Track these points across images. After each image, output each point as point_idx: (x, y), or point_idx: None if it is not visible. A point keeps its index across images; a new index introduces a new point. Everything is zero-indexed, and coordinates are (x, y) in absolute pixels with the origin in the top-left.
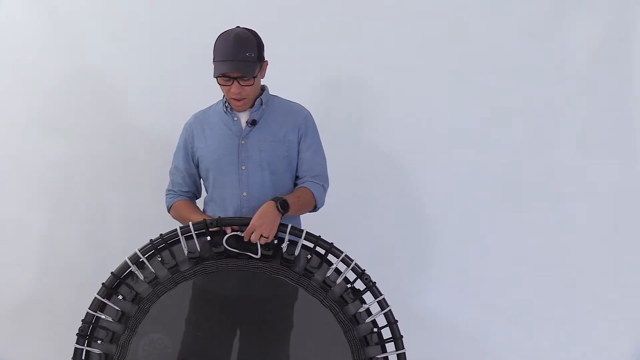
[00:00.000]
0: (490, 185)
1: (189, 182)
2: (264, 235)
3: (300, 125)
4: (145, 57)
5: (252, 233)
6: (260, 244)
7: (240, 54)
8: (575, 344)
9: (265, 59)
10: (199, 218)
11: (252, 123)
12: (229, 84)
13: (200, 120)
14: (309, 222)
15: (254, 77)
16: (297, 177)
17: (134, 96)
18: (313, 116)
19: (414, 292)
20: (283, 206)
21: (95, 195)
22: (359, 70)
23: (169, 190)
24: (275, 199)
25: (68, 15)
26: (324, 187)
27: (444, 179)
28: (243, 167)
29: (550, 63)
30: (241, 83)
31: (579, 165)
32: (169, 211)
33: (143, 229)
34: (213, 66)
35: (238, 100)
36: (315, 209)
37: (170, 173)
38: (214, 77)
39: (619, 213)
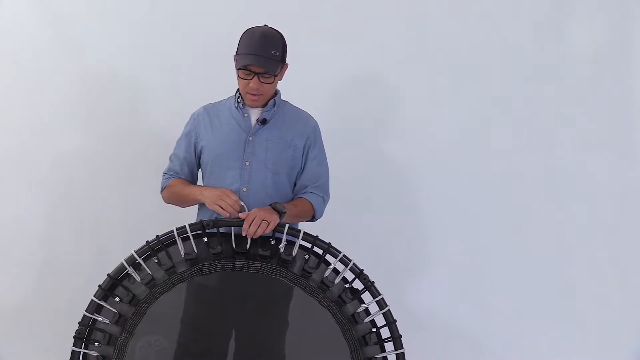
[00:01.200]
0: (490, 185)
1: (186, 171)
2: (265, 219)
3: (309, 135)
4: (146, 58)
5: (252, 221)
6: (255, 237)
7: (266, 51)
8: (575, 344)
9: (286, 62)
10: (195, 188)
11: (263, 122)
12: (249, 78)
13: (209, 112)
14: (307, 222)
15: (275, 76)
16: (296, 185)
17: (135, 96)
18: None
19: (413, 292)
20: (277, 207)
21: (95, 195)
22: (359, 71)
23: (164, 174)
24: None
25: (69, 15)
26: (324, 199)
27: (443, 179)
28: (247, 163)
29: (550, 63)
30: (261, 79)
31: (579, 165)
32: (162, 192)
33: (143, 229)
34: (234, 59)
35: (254, 95)
36: (313, 219)
37: (170, 159)
38: (237, 68)
39: (619, 213)
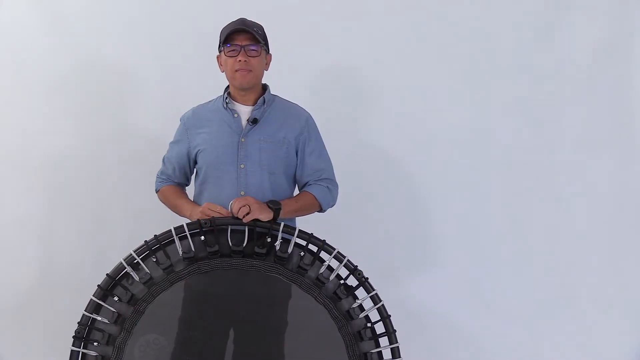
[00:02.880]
0: (490, 185)
1: (178, 175)
2: (249, 205)
3: (302, 130)
4: (146, 58)
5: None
6: (240, 217)
7: (248, 27)
8: (574, 343)
9: (270, 53)
10: (186, 205)
11: (254, 122)
12: (236, 54)
13: (198, 115)
14: (305, 219)
15: (262, 47)
16: (299, 181)
17: (134, 96)
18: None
19: (413, 291)
20: (272, 202)
21: (94, 195)
22: (359, 69)
23: (159, 176)
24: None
25: (69, 15)
26: (329, 188)
27: (443, 178)
28: (242, 166)
29: (550, 63)
30: (248, 54)
31: (579, 165)
32: (156, 192)
33: (142, 229)
34: (217, 58)
35: (243, 69)
36: (321, 210)
37: (163, 162)
38: (220, 45)
39: (619, 213)
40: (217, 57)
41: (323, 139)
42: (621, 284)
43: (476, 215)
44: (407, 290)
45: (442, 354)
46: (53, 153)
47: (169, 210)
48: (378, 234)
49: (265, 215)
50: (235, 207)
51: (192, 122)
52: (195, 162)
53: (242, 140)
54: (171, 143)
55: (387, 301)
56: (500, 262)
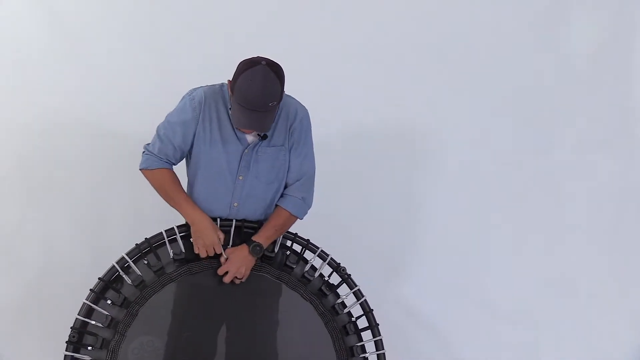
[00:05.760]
0: (490, 185)
1: (177, 157)
2: (238, 277)
3: (294, 130)
4: (146, 58)
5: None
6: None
7: (263, 105)
8: (575, 343)
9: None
10: (184, 203)
11: (263, 137)
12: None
13: (210, 104)
14: (300, 222)
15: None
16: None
17: (134, 96)
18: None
19: (413, 291)
20: (255, 251)
21: (94, 195)
22: (354, 64)
23: (152, 153)
24: (249, 243)
25: (69, 15)
26: (304, 198)
27: (443, 178)
28: (240, 177)
29: (551, 63)
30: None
31: (579, 165)
32: (145, 169)
33: (142, 229)
34: (232, 97)
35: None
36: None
37: (160, 139)
38: (234, 125)
39: (619, 213)
40: (229, 88)
41: (324, 139)
42: (621, 284)
43: (476, 215)
44: (408, 290)
45: (444, 353)
46: (52, 153)
47: (169, 211)
48: (374, 232)
49: (251, 266)
50: (226, 279)
51: (205, 107)
52: (192, 146)
53: (246, 151)
54: (174, 122)
55: (385, 300)
56: (500, 261)
